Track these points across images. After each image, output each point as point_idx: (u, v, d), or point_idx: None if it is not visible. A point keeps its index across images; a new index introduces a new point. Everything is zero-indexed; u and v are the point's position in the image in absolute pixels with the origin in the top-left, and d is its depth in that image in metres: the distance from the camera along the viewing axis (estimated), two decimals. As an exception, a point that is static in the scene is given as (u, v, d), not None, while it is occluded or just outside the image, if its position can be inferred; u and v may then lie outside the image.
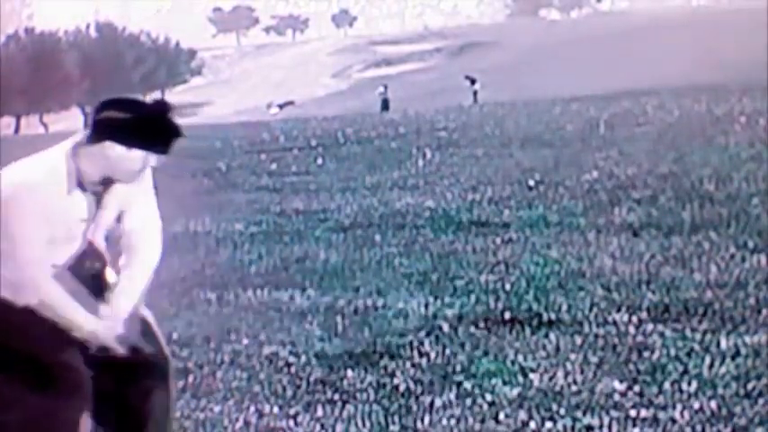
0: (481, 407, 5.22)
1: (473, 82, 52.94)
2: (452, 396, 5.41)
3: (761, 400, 5.08)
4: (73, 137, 4.10)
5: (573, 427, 4.90)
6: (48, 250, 4.04)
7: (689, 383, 5.37)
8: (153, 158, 4.02)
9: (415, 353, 6.22)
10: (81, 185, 4.05)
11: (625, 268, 8.20)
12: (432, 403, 5.33)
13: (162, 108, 4.02)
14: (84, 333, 4.12)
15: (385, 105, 51.75)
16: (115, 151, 3.97)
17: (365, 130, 26.81)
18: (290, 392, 5.65)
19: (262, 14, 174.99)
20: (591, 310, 6.97)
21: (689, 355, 5.86)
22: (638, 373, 5.60)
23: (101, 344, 4.14)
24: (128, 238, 4.24)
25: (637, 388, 5.35)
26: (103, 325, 4.13)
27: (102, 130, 4.00)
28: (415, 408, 5.28)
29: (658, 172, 13.81)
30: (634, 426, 4.88)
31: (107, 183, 4.09)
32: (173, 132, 4.01)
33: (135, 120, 3.97)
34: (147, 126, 3.98)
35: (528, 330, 6.59)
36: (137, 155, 3.98)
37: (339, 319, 7.17)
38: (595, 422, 4.93)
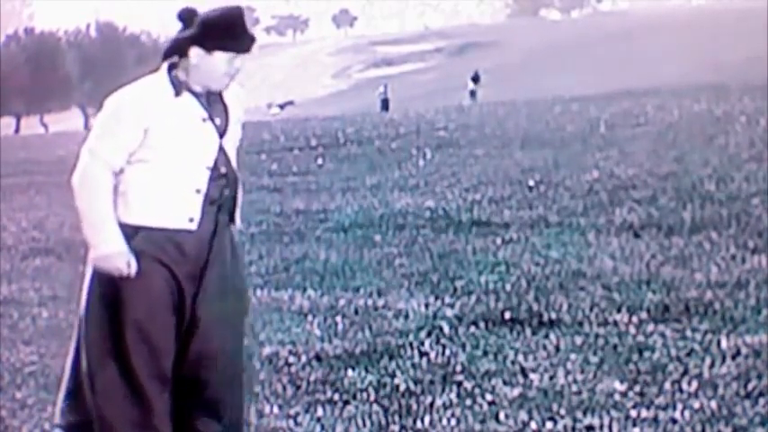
0: (481, 407, 5.22)
1: (476, 80, 52.46)
2: (452, 396, 5.41)
3: (761, 400, 5.08)
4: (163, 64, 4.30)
5: (573, 427, 4.90)
6: (172, 147, 4.24)
7: (689, 383, 5.37)
8: (238, 61, 4.30)
9: (415, 353, 6.22)
10: (191, 91, 4.30)
11: (625, 268, 8.20)
12: (432, 403, 5.32)
13: (232, 11, 4.30)
14: (97, 251, 4.18)
15: (385, 105, 51.71)
16: (199, 56, 4.24)
17: (365, 130, 26.78)
18: (290, 392, 5.64)
19: (262, 14, 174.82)
20: (591, 310, 6.96)
21: (689, 355, 5.86)
22: (639, 373, 5.59)
23: (108, 268, 4.19)
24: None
25: (637, 388, 5.34)
26: (119, 251, 4.18)
27: (182, 40, 4.29)
28: (415, 408, 5.28)
29: (658, 172, 13.80)
30: (634, 426, 4.88)
31: (211, 95, 4.34)
32: (243, 30, 4.29)
33: (207, 21, 4.26)
34: (219, 26, 4.26)
35: (528, 330, 6.58)
36: (219, 57, 4.26)
37: (339, 319, 7.17)
38: (596, 422, 4.93)
